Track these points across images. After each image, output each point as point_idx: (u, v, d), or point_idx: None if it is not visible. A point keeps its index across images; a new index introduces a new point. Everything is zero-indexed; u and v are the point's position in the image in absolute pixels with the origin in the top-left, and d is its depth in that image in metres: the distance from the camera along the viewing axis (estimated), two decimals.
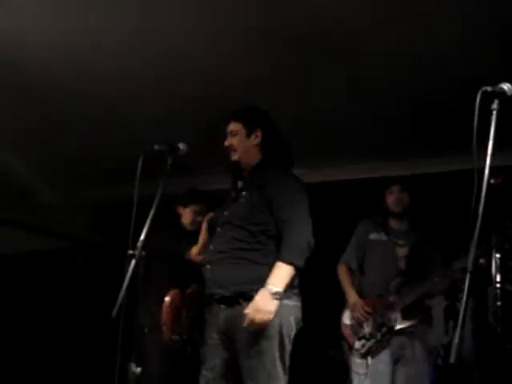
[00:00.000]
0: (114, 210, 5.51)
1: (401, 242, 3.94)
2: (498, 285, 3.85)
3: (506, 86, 2.00)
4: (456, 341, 1.73)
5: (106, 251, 5.89)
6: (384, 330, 3.75)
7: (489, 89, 1.99)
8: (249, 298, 2.82)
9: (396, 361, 3.73)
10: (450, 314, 5.03)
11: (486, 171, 1.93)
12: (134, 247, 2.59)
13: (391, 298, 3.79)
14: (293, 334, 2.92)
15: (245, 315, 2.78)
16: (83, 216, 6.29)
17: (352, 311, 3.88)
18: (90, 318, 5.60)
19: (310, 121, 4.69)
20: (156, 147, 2.81)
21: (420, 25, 3.47)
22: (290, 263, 2.82)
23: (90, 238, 6.31)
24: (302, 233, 2.91)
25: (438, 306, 5.10)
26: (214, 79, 4.08)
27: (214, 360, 2.94)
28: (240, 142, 3.11)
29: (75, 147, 5.05)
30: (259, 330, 2.78)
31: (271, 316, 2.75)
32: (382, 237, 3.97)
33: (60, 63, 3.96)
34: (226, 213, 3.09)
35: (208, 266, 3.03)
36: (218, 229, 3.09)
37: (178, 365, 3.95)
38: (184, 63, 3.96)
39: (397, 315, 3.74)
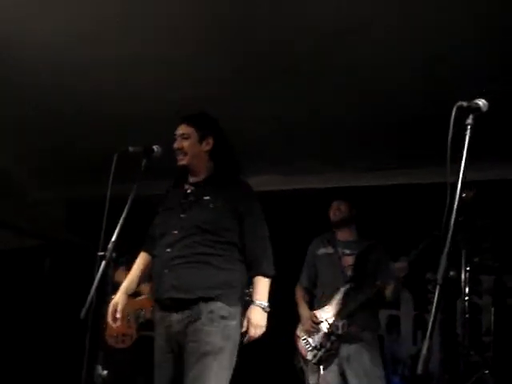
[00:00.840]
0: (88, 209, 5.46)
1: (347, 251, 4.03)
2: (466, 297, 3.92)
3: (481, 102, 2.01)
4: (424, 352, 1.73)
5: (77, 251, 5.83)
6: (333, 338, 3.80)
7: (464, 104, 2.00)
8: (208, 300, 2.84)
9: (343, 371, 3.76)
10: (419, 324, 5.08)
11: (459, 185, 1.93)
12: (104, 248, 2.56)
13: (338, 307, 3.84)
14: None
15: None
16: (56, 214, 6.21)
17: (302, 324, 3.97)
18: (57, 318, 5.53)
19: (287, 128, 4.72)
20: (131, 149, 2.79)
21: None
22: (269, 276, 3.01)
23: (61, 236, 6.23)
24: (269, 247, 3.07)
25: (406, 316, 5.16)
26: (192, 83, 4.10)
27: (166, 370, 2.90)
28: (191, 147, 3.06)
29: (51, 145, 5.01)
30: (219, 330, 2.81)
31: (265, 328, 2.94)
32: (329, 250, 4.09)
33: (54, 62, 3.97)
34: (182, 215, 3.00)
35: (166, 271, 2.91)
36: (175, 231, 2.97)
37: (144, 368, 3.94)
38: (172, 66, 3.99)
39: (343, 322, 3.78)
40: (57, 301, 5.72)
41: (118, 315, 3.01)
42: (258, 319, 2.90)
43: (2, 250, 6.16)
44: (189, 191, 3.09)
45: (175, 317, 2.88)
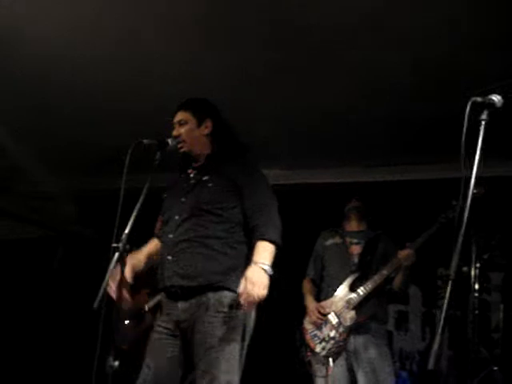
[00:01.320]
0: (100, 201, 5.47)
1: (355, 240, 4.05)
2: (476, 294, 3.92)
3: (495, 98, 2.01)
4: (435, 347, 1.74)
5: (89, 242, 5.85)
6: (341, 329, 3.78)
7: (479, 99, 2.00)
8: (214, 288, 2.78)
9: (351, 365, 3.77)
10: (428, 320, 5.08)
11: (472, 180, 1.94)
12: (118, 240, 2.56)
13: (346, 297, 3.83)
14: (252, 327, 2.88)
15: (217, 301, 2.77)
16: (69, 206, 6.23)
17: (309, 316, 3.95)
18: (70, 309, 5.55)
19: (297, 123, 4.73)
20: (145, 141, 2.77)
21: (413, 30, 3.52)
22: (273, 242, 2.81)
23: (72, 228, 6.25)
24: (277, 216, 2.91)
25: (415, 312, 5.16)
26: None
27: (159, 357, 2.84)
28: (190, 132, 3.03)
29: (65, 136, 5.01)
30: (226, 321, 2.74)
31: (266, 290, 2.70)
32: (337, 240, 4.10)
33: (58, 55, 3.97)
34: (183, 199, 2.96)
35: (169, 257, 2.88)
36: (176, 217, 2.94)
37: None
38: (181, 63, 4.01)
39: (352, 313, 3.78)
40: (69, 292, 5.74)
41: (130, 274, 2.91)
42: (255, 276, 2.67)
43: (13, 239, 6.22)
44: (191, 175, 3.06)
45: (182, 305, 2.84)
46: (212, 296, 2.79)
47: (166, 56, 3.94)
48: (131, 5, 3.47)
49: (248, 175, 3.00)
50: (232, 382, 2.73)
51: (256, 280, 2.66)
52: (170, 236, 2.92)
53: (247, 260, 2.85)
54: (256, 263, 2.72)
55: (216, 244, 2.85)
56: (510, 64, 3.55)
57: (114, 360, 2.53)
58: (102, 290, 2.42)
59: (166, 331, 2.86)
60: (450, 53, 3.66)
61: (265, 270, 2.70)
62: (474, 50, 3.60)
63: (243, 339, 2.82)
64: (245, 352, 2.84)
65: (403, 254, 3.73)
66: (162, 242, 3.03)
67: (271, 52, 3.83)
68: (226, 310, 2.78)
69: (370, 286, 3.78)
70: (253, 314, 2.88)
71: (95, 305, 2.38)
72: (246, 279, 2.68)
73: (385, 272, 3.78)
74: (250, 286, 2.65)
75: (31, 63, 4.04)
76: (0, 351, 5.65)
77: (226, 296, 2.80)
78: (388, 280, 3.84)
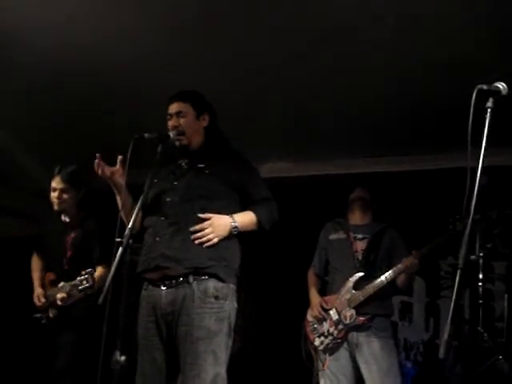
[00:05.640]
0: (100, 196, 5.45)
1: (360, 236, 3.99)
2: (480, 283, 3.91)
3: (501, 85, 2.02)
4: (445, 336, 1.74)
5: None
6: (340, 327, 3.78)
7: (484, 87, 2.00)
8: (200, 274, 2.76)
9: (354, 358, 3.75)
10: (431, 311, 5.08)
11: (479, 170, 1.94)
12: (121, 235, 2.55)
13: (348, 295, 3.81)
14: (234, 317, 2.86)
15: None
16: None
17: (311, 310, 3.96)
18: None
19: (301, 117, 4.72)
20: (146, 135, 2.74)
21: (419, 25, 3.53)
22: (259, 221, 2.92)
23: None
24: (275, 208, 3.01)
25: (419, 302, 5.16)
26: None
27: (151, 353, 2.80)
28: (190, 124, 2.98)
29: (63, 130, 4.99)
30: (213, 312, 2.73)
31: (217, 239, 2.80)
32: (341, 235, 4.05)
33: (61, 50, 4.01)
34: (176, 183, 2.92)
35: (157, 239, 2.83)
36: (168, 199, 2.88)
37: None
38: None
39: (352, 312, 3.76)
40: None
41: None
42: (217, 223, 2.79)
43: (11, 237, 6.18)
44: (183, 164, 3.02)
45: (164, 296, 2.78)
46: (196, 287, 2.74)
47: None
48: None
49: (248, 170, 3.03)
50: (220, 374, 2.70)
51: (216, 226, 2.79)
52: (162, 219, 2.87)
53: (238, 254, 2.92)
54: (230, 217, 2.84)
55: None
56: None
57: (121, 355, 2.51)
58: (106, 286, 2.41)
59: (153, 331, 2.81)
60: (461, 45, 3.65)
61: (232, 227, 2.83)
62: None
63: (229, 331, 2.79)
64: (231, 343, 2.81)
65: (407, 262, 3.70)
66: (148, 224, 2.95)
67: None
68: (212, 300, 2.75)
69: (373, 287, 3.75)
70: (235, 306, 2.86)
71: (100, 300, 2.38)
72: (210, 219, 2.79)
73: (388, 276, 3.74)
74: (209, 229, 2.77)
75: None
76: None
77: (214, 286, 2.76)
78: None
